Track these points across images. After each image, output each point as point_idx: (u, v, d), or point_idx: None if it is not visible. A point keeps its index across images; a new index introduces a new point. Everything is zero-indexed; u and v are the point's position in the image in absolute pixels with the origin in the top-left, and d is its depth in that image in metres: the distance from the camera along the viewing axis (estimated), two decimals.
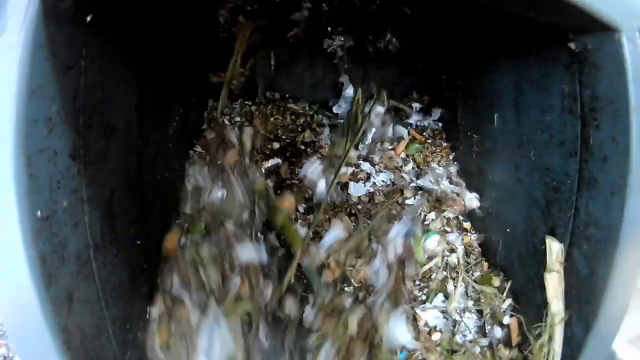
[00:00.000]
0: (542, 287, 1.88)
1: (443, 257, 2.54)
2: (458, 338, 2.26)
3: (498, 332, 2.21)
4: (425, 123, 3.34)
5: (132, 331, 1.91)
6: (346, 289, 2.41)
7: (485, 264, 2.51)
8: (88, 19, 1.47)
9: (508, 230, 2.30)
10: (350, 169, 3.00)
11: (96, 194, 1.64)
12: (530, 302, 2.08)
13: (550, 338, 1.85)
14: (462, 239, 2.63)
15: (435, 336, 2.27)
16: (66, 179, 1.44)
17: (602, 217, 1.59)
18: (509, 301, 2.26)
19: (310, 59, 3.51)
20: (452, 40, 2.95)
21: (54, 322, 1.29)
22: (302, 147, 3.16)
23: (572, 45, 1.65)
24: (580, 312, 1.68)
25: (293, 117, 3.40)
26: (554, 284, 1.82)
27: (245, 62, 3.33)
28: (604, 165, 1.56)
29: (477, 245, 2.62)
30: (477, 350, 2.20)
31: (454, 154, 3.07)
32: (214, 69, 3.21)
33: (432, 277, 2.48)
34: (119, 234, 1.82)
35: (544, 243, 1.89)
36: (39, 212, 1.27)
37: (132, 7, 1.83)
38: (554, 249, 1.83)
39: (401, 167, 3.06)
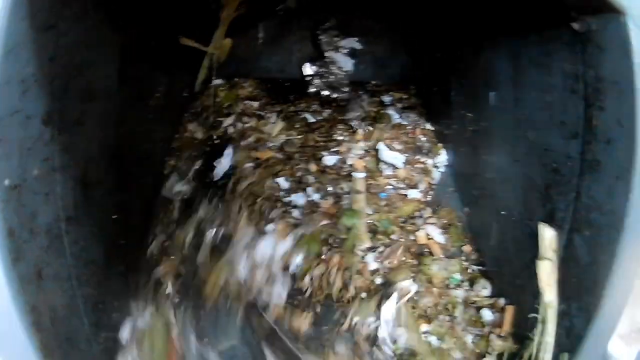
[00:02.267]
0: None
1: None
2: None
3: (488, 315, 2.17)
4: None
5: (106, 312, 1.86)
6: None
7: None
8: None
9: (503, 212, 2.23)
10: None
11: (70, 162, 1.58)
12: (526, 289, 1.98)
13: (543, 330, 1.79)
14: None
15: (425, 326, 2.20)
16: (38, 145, 1.37)
17: (605, 202, 1.53)
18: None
19: (299, 33, 3.47)
20: (447, 15, 2.87)
21: (22, 300, 1.23)
22: None
23: (576, 26, 1.58)
24: (581, 302, 1.61)
25: None
26: (547, 272, 1.76)
27: (230, 34, 3.26)
28: (608, 147, 1.51)
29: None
30: (470, 339, 2.14)
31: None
32: (199, 39, 3.10)
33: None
34: (94, 206, 1.77)
35: None
36: (6, 181, 1.20)
37: None
38: (547, 235, 1.78)
39: None
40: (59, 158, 1.48)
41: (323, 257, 2.39)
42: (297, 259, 2.33)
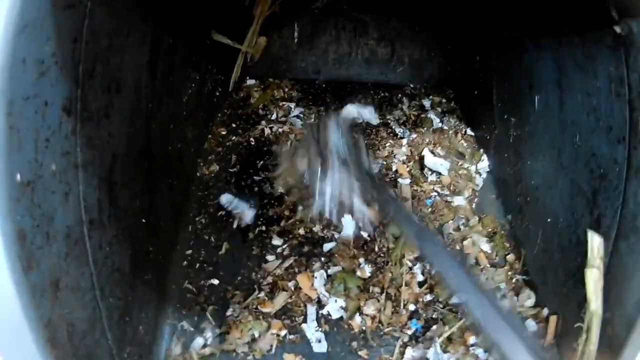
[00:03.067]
0: (584, 282, 1.74)
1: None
2: None
3: (532, 326, 2.10)
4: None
5: (132, 324, 1.74)
6: None
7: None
8: None
9: (549, 220, 2.16)
10: None
11: (94, 158, 1.45)
12: (570, 298, 1.93)
13: (587, 339, 1.72)
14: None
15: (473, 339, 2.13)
16: (57, 136, 1.22)
17: None
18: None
19: (335, 33, 3.42)
20: (488, 17, 2.83)
21: (35, 315, 1.09)
22: None
23: (617, 29, 1.54)
24: (624, 310, 1.55)
25: None
26: (594, 281, 1.68)
27: (264, 32, 3.25)
28: None
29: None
30: None
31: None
32: (232, 37, 3.05)
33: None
34: (121, 208, 1.65)
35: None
36: (18, 176, 1.05)
37: None
38: (595, 242, 1.70)
39: None
40: (82, 153, 1.34)
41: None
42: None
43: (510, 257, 2.42)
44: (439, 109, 3.31)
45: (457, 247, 2.46)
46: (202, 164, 2.75)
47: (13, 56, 0.99)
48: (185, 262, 2.28)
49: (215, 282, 2.23)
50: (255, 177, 2.71)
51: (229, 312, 2.11)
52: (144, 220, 1.88)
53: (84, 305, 1.38)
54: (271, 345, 2.03)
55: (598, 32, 1.68)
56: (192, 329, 2.06)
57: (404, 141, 3.01)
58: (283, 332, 2.07)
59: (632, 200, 1.56)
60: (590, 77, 1.78)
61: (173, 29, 2.17)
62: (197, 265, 2.29)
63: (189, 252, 2.32)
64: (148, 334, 1.90)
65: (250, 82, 3.39)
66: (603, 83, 1.69)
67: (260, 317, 2.10)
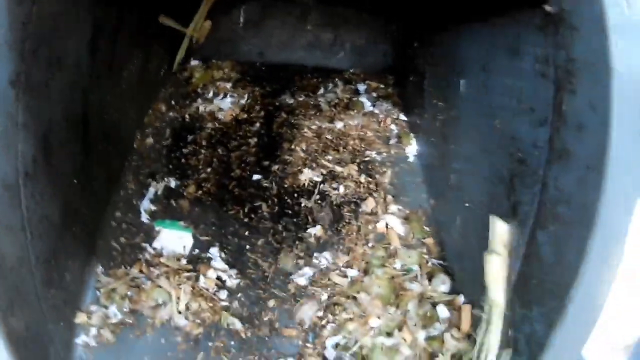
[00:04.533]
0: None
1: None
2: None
3: (444, 313, 2.11)
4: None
5: (58, 270, 1.92)
6: None
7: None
8: None
9: (467, 205, 2.20)
10: None
11: (33, 121, 1.64)
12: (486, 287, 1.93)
13: (487, 329, 1.75)
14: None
15: (375, 322, 2.13)
16: (3, 101, 1.46)
17: (575, 194, 1.44)
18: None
19: (281, 17, 3.51)
20: (425, 3, 2.89)
21: None
22: None
23: (548, 7, 1.54)
24: (543, 307, 1.53)
25: None
26: (496, 268, 1.71)
27: (211, 15, 3.31)
28: (579, 134, 1.42)
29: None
30: (422, 336, 2.07)
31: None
32: (179, 20, 3.14)
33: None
34: (54, 165, 1.83)
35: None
36: None
37: None
38: (498, 228, 1.73)
39: None
40: (22, 116, 1.57)
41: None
42: None
43: (429, 240, 2.43)
44: (374, 94, 3.36)
45: (370, 227, 2.50)
46: (139, 137, 2.79)
47: None
48: (113, 223, 2.35)
49: (137, 241, 2.33)
50: (183, 150, 2.81)
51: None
52: (75, 181, 2.01)
53: (13, 243, 1.58)
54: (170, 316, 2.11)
55: (528, 12, 1.68)
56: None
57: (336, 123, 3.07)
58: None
59: (552, 185, 1.52)
60: (516, 58, 1.79)
61: (118, 11, 2.28)
62: (124, 225, 2.37)
63: (118, 214, 2.39)
64: (74, 283, 2.07)
65: (194, 62, 3.45)
66: (529, 64, 1.69)
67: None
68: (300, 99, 3.27)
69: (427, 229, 2.51)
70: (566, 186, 1.47)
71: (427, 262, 2.34)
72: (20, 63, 1.51)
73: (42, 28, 1.61)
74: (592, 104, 1.35)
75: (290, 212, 2.58)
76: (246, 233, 2.46)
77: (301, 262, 2.37)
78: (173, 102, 3.13)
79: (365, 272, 2.30)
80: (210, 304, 2.15)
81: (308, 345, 2.08)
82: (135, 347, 2.05)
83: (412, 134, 3.02)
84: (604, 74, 1.29)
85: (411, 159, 2.90)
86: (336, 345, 2.08)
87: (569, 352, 1.47)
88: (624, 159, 1.29)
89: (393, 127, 3.11)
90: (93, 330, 2.04)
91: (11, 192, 1.57)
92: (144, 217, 2.46)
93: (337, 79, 3.48)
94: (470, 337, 1.98)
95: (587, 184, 1.37)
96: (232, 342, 2.07)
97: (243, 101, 3.20)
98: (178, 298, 2.10)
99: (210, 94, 3.23)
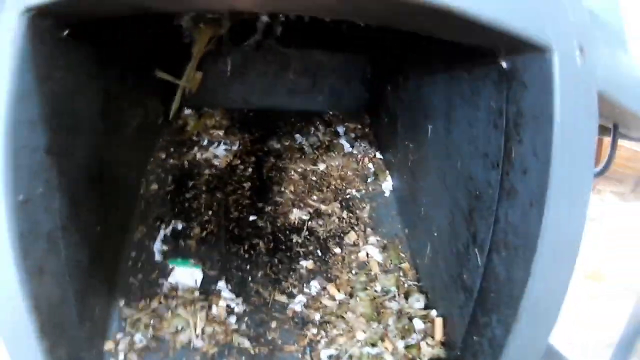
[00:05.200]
0: (464, 288, 2.03)
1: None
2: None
3: (420, 325, 2.37)
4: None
5: (89, 305, 2.05)
6: None
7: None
8: (65, 34, 1.64)
9: (435, 234, 2.42)
10: None
11: (64, 183, 1.73)
12: (453, 302, 2.19)
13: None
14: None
15: (361, 335, 2.37)
16: (42, 169, 1.58)
17: (521, 226, 1.64)
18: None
19: (262, 66, 3.70)
20: (396, 53, 3.11)
21: (28, 290, 1.46)
22: None
23: (503, 64, 1.71)
24: (500, 315, 1.74)
25: None
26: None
27: (201, 67, 3.48)
28: (524, 177, 1.62)
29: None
30: (402, 345, 2.32)
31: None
32: (172, 73, 3.32)
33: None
34: (82, 219, 1.95)
35: (467, 247, 2.02)
36: (20, 196, 1.43)
37: (101, 25, 1.94)
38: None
39: None
40: (56, 180, 1.68)
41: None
42: None
43: (405, 265, 2.68)
44: (352, 134, 3.59)
45: (353, 257, 2.75)
46: (144, 184, 2.98)
47: (15, 118, 1.36)
48: (130, 263, 2.55)
49: (154, 277, 2.52)
50: (186, 195, 2.99)
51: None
52: (98, 228, 2.16)
53: (58, 285, 1.71)
54: (189, 339, 2.30)
55: (485, 68, 1.86)
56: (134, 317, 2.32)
57: (319, 165, 3.29)
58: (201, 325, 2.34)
59: (503, 218, 1.75)
60: (474, 109, 1.98)
61: (121, 77, 2.45)
62: (139, 264, 2.56)
63: (133, 254, 2.59)
64: (102, 316, 2.23)
65: (187, 111, 3.63)
66: (484, 115, 1.88)
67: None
68: (286, 143, 3.47)
69: (402, 255, 2.76)
70: (514, 219, 1.68)
71: (404, 283, 2.60)
72: (51, 135, 1.63)
73: (63, 105, 1.74)
74: (535, 152, 1.55)
75: (283, 247, 2.77)
76: (247, 267, 2.65)
77: (295, 290, 2.57)
78: (172, 150, 3.30)
79: (351, 295, 2.53)
80: (222, 328, 2.33)
81: (306, 357, 2.29)
82: None
83: (387, 171, 3.28)
84: (547, 125, 1.48)
85: (387, 193, 3.17)
86: (330, 357, 2.29)
87: (524, 352, 1.69)
88: (560, 196, 1.50)
89: (370, 165, 3.36)
90: (121, 356, 2.21)
91: (54, 244, 1.69)
92: (157, 257, 2.63)
93: (317, 122, 3.70)
94: (443, 345, 2.25)
95: (530, 217, 1.57)
96: (243, 358, 2.27)
97: (235, 147, 3.38)
98: (195, 324, 2.30)
99: (205, 142, 3.40)
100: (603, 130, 2.26)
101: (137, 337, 2.28)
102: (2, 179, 1.38)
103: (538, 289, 1.59)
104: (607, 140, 2.26)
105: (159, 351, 2.27)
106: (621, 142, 2.43)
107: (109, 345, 2.22)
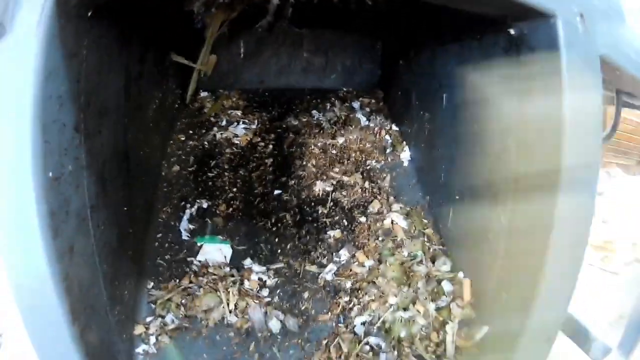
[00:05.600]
0: (489, 250, 2.04)
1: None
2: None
3: (448, 287, 2.35)
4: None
5: (120, 288, 2.07)
6: None
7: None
8: (89, 14, 1.64)
9: (457, 197, 2.42)
10: None
11: (93, 162, 1.80)
12: (480, 264, 2.20)
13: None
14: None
15: (393, 300, 2.36)
16: (71, 147, 1.61)
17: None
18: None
19: (276, 47, 3.73)
20: (407, 27, 3.13)
21: (58, 269, 1.46)
22: None
23: (512, 31, 1.74)
24: (527, 270, 1.77)
25: None
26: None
27: (215, 50, 3.51)
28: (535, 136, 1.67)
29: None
30: (433, 307, 2.30)
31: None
32: (188, 57, 3.34)
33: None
34: (110, 197, 1.99)
35: (489, 208, 2.02)
36: (50, 173, 1.43)
37: (124, 5, 1.98)
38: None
39: None
40: (85, 158, 1.71)
41: None
42: None
43: (429, 230, 2.67)
44: (367, 109, 3.61)
45: (378, 225, 2.74)
46: (166, 165, 3.00)
47: (44, 94, 1.36)
48: (156, 244, 2.56)
49: (182, 257, 2.52)
50: (209, 174, 3.00)
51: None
52: (125, 208, 2.20)
53: (88, 266, 1.73)
54: (222, 316, 2.29)
55: (494, 35, 1.89)
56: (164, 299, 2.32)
57: (338, 139, 3.31)
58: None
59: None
60: (486, 75, 2.01)
61: (140, 58, 2.46)
62: (166, 245, 2.57)
63: (159, 235, 2.60)
64: (132, 299, 2.23)
65: (204, 94, 3.67)
66: (496, 79, 1.92)
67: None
68: (304, 119, 3.50)
69: (425, 221, 2.76)
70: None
71: (429, 248, 2.59)
72: (80, 113, 1.67)
73: (91, 82, 1.77)
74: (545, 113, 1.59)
75: (310, 218, 2.79)
76: (276, 240, 2.66)
77: (324, 260, 2.58)
78: (191, 132, 3.33)
79: (379, 261, 2.54)
80: (256, 301, 2.34)
81: (340, 325, 2.29)
82: (194, 346, 2.22)
83: (404, 142, 3.29)
84: (555, 84, 1.53)
85: (405, 163, 3.18)
86: (363, 323, 2.30)
87: (552, 303, 1.71)
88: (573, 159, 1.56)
89: (387, 137, 3.37)
90: (152, 339, 2.21)
91: (84, 223, 1.72)
92: (185, 235, 2.64)
93: (333, 99, 3.73)
94: (472, 306, 2.24)
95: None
96: (277, 330, 2.27)
97: (254, 126, 3.41)
98: (227, 300, 2.30)
99: (224, 122, 3.44)
100: (607, 100, 2.24)
101: (169, 318, 2.29)
102: (32, 154, 1.37)
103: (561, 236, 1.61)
104: (611, 110, 2.23)
105: (192, 330, 2.27)
106: (625, 115, 2.40)
107: (139, 330, 2.22)
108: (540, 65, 1.61)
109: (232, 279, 2.42)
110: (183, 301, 2.33)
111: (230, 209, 2.82)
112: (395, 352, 2.23)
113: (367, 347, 2.24)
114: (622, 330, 2.16)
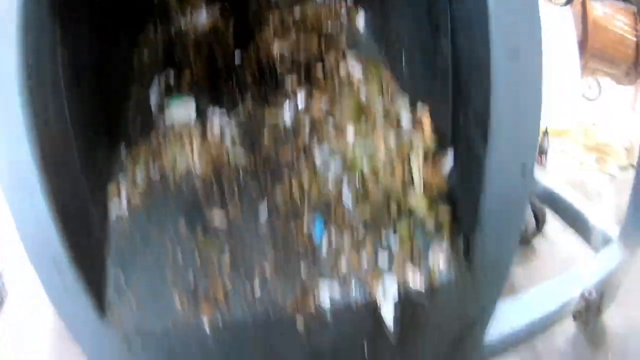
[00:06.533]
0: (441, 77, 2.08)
1: None
2: None
3: (407, 119, 2.43)
4: None
5: (92, 157, 2.12)
6: None
7: None
8: None
9: (405, 49, 2.52)
10: None
11: (68, 37, 1.83)
12: (435, 95, 2.26)
13: None
14: None
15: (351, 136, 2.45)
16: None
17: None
18: None
19: None
20: None
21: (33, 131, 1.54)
22: None
23: None
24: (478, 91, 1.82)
25: None
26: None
27: None
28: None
29: None
30: (393, 141, 2.38)
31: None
32: None
33: None
34: (85, 74, 2.09)
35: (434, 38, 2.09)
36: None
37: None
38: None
39: None
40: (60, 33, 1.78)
41: None
42: None
43: (386, 74, 2.75)
44: None
45: (335, 73, 2.83)
46: (137, 56, 3.07)
47: None
48: (129, 119, 2.65)
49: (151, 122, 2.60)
50: (175, 58, 3.06)
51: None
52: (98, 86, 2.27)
53: (61, 132, 1.81)
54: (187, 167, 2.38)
55: None
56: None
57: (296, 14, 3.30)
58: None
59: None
60: None
61: None
62: (138, 120, 2.66)
63: (131, 113, 2.70)
64: (104, 157, 2.33)
65: None
66: None
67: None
68: (262, 3, 3.45)
69: (382, 71, 2.80)
70: None
71: (387, 90, 2.66)
72: None
73: None
74: None
75: (269, 72, 2.89)
76: (238, 95, 2.75)
77: (284, 105, 2.67)
78: (159, 24, 3.33)
79: (337, 102, 2.63)
80: (219, 150, 2.45)
81: (301, 162, 2.39)
82: (165, 201, 2.31)
83: (359, 9, 3.29)
84: None
85: (360, 25, 3.22)
86: (324, 161, 2.38)
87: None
88: None
89: (343, 10, 3.36)
90: (124, 202, 2.28)
91: (58, 92, 1.79)
92: (153, 107, 2.72)
93: None
94: (434, 139, 2.30)
95: None
96: (241, 173, 2.38)
97: (216, 13, 3.40)
98: (192, 149, 2.41)
99: (189, 15, 3.40)
100: None
101: (139, 175, 2.37)
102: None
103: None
104: None
105: (160, 187, 2.36)
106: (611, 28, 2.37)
107: (112, 187, 2.31)
108: None
109: (196, 132, 2.51)
110: (151, 158, 2.42)
111: (195, 78, 2.92)
112: (359, 186, 2.30)
113: (330, 181, 2.34)
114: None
